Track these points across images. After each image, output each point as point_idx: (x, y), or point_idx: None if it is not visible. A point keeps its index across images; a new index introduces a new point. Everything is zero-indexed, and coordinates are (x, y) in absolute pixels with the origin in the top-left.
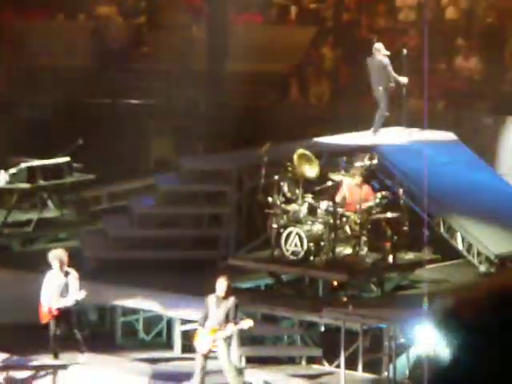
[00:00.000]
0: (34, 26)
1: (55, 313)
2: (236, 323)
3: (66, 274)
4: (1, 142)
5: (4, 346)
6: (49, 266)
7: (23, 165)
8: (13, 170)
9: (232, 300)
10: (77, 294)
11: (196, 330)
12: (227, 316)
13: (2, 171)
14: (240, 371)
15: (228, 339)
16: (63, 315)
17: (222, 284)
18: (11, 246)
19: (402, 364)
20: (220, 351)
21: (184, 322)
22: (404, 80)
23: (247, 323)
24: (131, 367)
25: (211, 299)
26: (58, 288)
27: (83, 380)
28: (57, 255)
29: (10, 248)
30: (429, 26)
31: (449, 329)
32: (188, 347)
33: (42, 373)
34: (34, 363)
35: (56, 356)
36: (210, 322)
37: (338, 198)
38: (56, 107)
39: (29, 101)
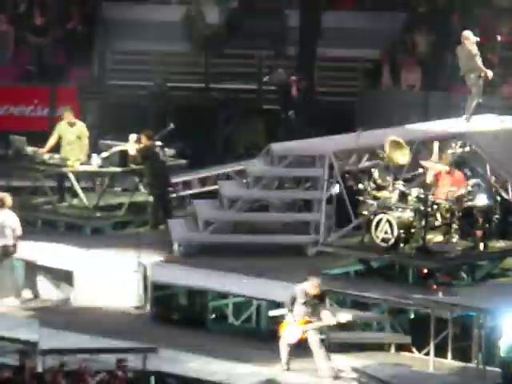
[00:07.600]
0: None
1: None
2: (333, 316)
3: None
4: (94, 126)
5: (97, 330)
6: None
7: (115, 149)
8: (105, 154)
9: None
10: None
11: (284, 317)
12: (314, 310)
13: (95, 155)
14: (328, 357)
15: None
16: None
17: (313, 282)
18: (103, 229)
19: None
20: (312, 340)
21: (273, 307)
22: (489, 74)
23: (345, 317)
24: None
25: (301, 291)
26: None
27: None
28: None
29: (102, 231)
30: None
31: None
32: (276, 332)
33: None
34: (125, 346)
35: None
36: (297, 313)
37: (429, 185)
38: (149, 92)
39: (122, 85)
